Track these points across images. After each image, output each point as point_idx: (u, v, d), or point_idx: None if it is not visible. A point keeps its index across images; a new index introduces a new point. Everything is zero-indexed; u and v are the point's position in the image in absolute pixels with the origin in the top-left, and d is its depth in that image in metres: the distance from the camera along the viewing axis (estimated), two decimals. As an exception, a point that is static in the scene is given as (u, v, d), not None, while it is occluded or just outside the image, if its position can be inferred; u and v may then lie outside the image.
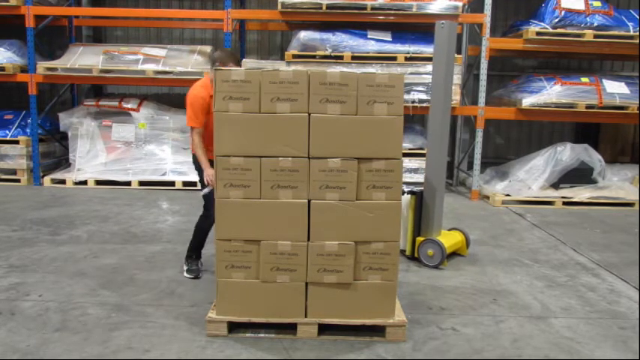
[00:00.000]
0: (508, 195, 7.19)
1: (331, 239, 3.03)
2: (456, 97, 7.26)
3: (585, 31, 7.04)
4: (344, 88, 2.95)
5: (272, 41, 9.55)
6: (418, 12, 7.21)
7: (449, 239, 4.65)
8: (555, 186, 7.23)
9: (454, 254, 4.77)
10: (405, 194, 4.63)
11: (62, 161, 8.32)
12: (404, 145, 7.29)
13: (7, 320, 3.24)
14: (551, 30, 7.09)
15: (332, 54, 7.23)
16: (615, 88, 7.25)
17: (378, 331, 3.12)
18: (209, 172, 3.72)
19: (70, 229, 5.32)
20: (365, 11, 7.19)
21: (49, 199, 6.76)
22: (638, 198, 7.01)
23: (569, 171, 7.21)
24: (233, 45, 8.40)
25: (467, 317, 3.48)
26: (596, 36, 7.05)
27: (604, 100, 7.14)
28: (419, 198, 4.64)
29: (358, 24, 7.46)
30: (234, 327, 3.13)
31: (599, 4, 7.27)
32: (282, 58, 7.71)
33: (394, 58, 7.21)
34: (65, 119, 7.77)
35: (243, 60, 8.02)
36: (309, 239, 3.03)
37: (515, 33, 7.65)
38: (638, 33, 7.09)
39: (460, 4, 7.24)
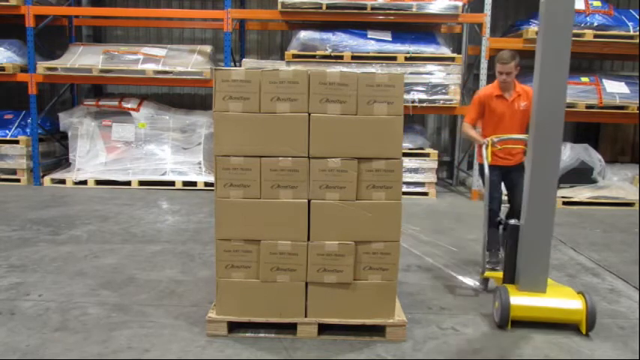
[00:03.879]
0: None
1: (331, 239, 3.03)
2: (456, 96, 7.27)
3: (585, 31, 7.04)
4: (344, 88, 2.95)
5: (272, 41, 9.55)
6: (418, 12, 7.22)
7: (547, 299, 3.28)
8: (555, 186, 7.22)
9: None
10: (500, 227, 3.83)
11: (62, 161, 8.33)
12: (404, 145, 7.29)
13: (7, 320, 3.24)
14: (551, 30, 7.08)
15: (332, 54, 7.24)
16: (615, 88, 7.26)
17: (378, 330, 3.12)
18: (480, 141, 4.07)
19: (70, 229, 5.32)
20: (365, 11, 7.19)
21: (49, 199, 6.76)
22: (638, 198, 7.01)
23: (569, 171, 7.21)
24: (233, 45, 8.41)
25: (467, 317, 3.47)
26: (596, 36, 7.05)
27: (604, 100, 7.14)
28: (513, 233, 3.39)
29: (358, 24, 7.46)
30: (234, 327, 3.12)
31: (599, 4, 7.27)
32: (282, 58, 7.71)
33: (394, 58, 7.21)
34: (65, 119, 7.78)
35: (243, 60, 8.04)
36: (309, 239, 3.03)
37: (515, 33, 7.65)
38: (638, 33, 7.09)
39: (460, 4, 7.25)
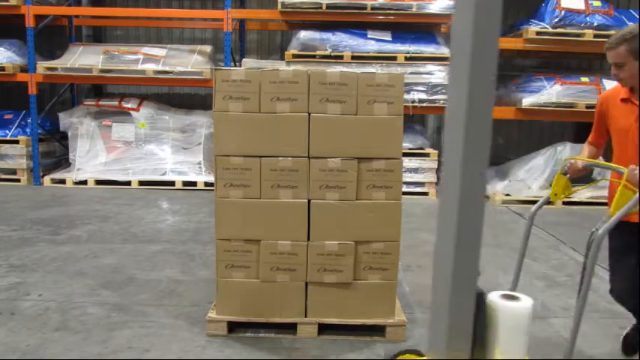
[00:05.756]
0: (508, 195, 7.20)
1: (331, 239, 3.03)
2: (456, 96, 7.25)
3: (585, 31, 7.04)
4: (344, 87, 2.95)
5: (272, 41, 9.55)
6: (418, 12, 7.22)
7: None
8: (555, 186, 7.22)
9: None
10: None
11: (62, 161, 8.32)
12: (404, 145, 7.29)
13: (7, 320, 3.24)
14: (551, 30, 7.09)
15: (332, 54, 7.23)
16: (615, 88, 7.25)
17: (378, 330, 3.12)
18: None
19: (70, 229, 5.32)
20: (365, 11, 7.19)
21: (49, 198, 6.76)
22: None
23: (569, 171, 7.21)
24: (233, 45, 8.40)
25: (467, 317, 3.47)
26: (596, 36, 7.05)
27: (604, 100, 7.13)
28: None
29: (358, 24, 7.46)
30: (234, 327, 3.13)
31: (599, 3, 7.27)
32: (282, 58, 7.71)
33: (394, 58, 7.21)
34: (65, 119, 7.77)
35: (243, 60, 8.03)
36: (309, 239, 3.03)
37: (515, 33, 7.65)
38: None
39: (460, 3, 7.24)
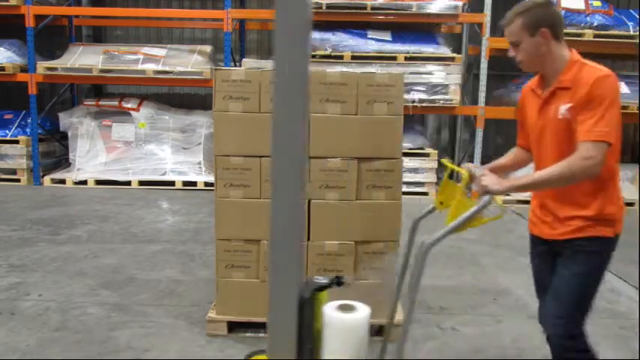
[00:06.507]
0: (508, 195, 7.19)
1: (331, 239, 3.03)
2: (456, 96, 7.26)
3: (585, 31, 7.05)
4: (344, 87, 2.95)
5: (272, 41, 9.53)
6: (418, 12, 7.22)
7: None
8: (555, 186, 7.22)
9: None
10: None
11: (62, 161, 8.32)
12: (404, 145, 7.29)
13: (7, 320, 3.24)
14: (551, 30, 7.09)
15: (332, 54, 7.23)
16: (615, 88, 7.26)
17: (378, 330, 3.12)
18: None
19: (70, 229, 5.32)
20: (365, 11, 7.19)
21: (49, 198, 6.76)
22: (638, 198, 7.00)
23: (569, 171, 7.21)
24: (233, 45, 8.40)
25: (467, 317, 3.48)
26: (596, 35, 7.06)
27: (604, 100, 7.13)
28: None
29: (358, 24, 7.46)
30: (234, 327, 3.12)
31: (599, 3, 7.27)
32: (282, 58, 7.70)
33: (394, 58, 7.21)
34: (65, 119, 7.78)
35: (243, 60, 8.03)
36: (309, 239, 3.03)
37: (515, 33, 7.64)
38: (638, 33, 7.09)
39: (460, 3, 7.24)
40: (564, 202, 2.08)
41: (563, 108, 1.99)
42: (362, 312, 1.83)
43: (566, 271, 2.08)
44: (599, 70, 1.95)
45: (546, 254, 2.25)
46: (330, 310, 1.82)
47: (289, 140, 1.62)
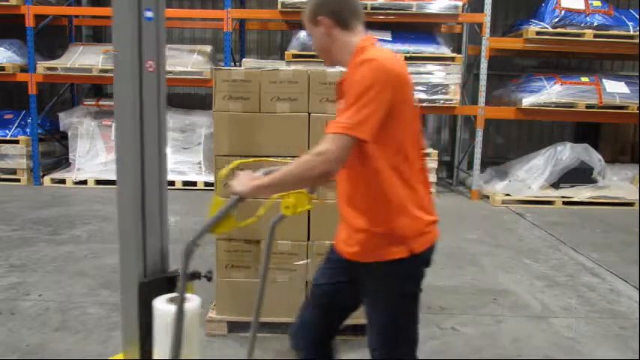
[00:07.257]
0: (508, 195, 7.19)
1: (331, 239, 3.02)
2: (456, 96, 7.26)
3: (585, 31, 7.04)
4: (344, 87, 2.95)
5: (272, 41, 9.55)
6: (418, 12, 7.21)
7: None
8: (555, 186, 7.23)
9: None
10: None
11: (62, 161, 8.32)
12: (404, 144, 7.28)
13: (7, 320, 3.24)
14: (551, 30, 7.09)
15: (332, 54, 7.23)
16: (615, 88, 7.26)
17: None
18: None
19: (70, 229, 5.32)
20: (365, 11, 7.15)
21: (49, 198, 6.76)
22: (638, 198, 7.00)
23: (569, 171, 7.22)
24: (233, 45, 8.40)
25: (467, 317, 3.48)
26: (596, 35, 7.05)
27: (604, 100, 7.14)
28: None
29: (358, 24, 7.45)
30: (234, 327, 3.12)
31: (599, 3, 7.27)
32: (282, 58, 7.71)
33: (394, 58, 7.20)
34: (65, 119, 7.77)
35: (243, 60, 8.02)
36: (309, 239, 3.03)
37: (515, 33, 7.65)
38: (638, 33, 7.09)
39: (460, 3, 7.24)
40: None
41: (342, 103, 1.73)
42: (191, 304, 1.90)
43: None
44: (366, 54, 1.67)
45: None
46: (158, 303, 1.90)
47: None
